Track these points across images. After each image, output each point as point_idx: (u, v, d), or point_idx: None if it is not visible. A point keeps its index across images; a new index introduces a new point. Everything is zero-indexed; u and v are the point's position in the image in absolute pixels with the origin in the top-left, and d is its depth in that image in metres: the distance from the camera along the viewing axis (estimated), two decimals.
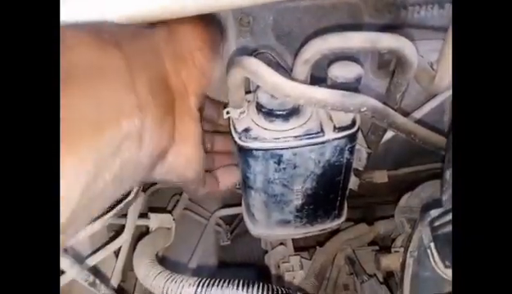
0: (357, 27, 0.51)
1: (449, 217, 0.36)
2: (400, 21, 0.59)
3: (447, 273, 0.38)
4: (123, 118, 0.28)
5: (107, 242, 0.53)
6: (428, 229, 0.39)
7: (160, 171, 0.37)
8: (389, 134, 0.64)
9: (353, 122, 0.50)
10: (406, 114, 0.54)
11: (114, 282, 0.54)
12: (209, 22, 0.42)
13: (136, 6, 0.30)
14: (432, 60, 0.59)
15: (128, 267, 0.60)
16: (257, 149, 0.51)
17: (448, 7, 0.58)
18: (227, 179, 0.56)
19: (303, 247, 0.79)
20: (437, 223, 0.38)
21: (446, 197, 0.39)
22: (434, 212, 0.40)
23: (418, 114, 0.65)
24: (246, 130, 0.51)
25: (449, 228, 0.35)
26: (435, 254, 0.38)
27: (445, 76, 0.56)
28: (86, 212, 0.27)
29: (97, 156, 0.26)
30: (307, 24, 0.58)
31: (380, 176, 0.80)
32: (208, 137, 0.57)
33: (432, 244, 0.39)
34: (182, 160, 0.39)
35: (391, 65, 0.63)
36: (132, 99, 0.28)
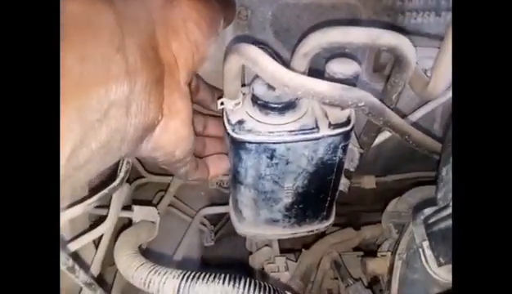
0: (355, 24, 0.51)
1: (444, 214, 0.36)
2: (397, 26, 0.60)
3: (439, 273, 0.38)
4: (110, 81, 0.26)
5: (88, 230, 0.51)
6: (421, 227, 0.39)
7: (146, 147, 0.35)
8: (380, 138, 0.64)
9: (348, 120, 0.50)
10: (401, 116, 0.54)
11: (94, 271, 0.51)
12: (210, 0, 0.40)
13: None
14: (426, 67, 0.60)
15: (109, 260, 0.57)
16: (250, 142, 0.50)
17: (444, 15, 0.59)
18: (218, 167, 0.54)
19: (288, 249, 0.78)
20: (431, 220, 0.37)
21: (441, 194, 0.39)
22: (428, 210, 0.39)
23: (409, 121, 0.66)
24: (240, 122, 0.50)
25: (444, 224, 0.35)
26: (427, 253, 0.38)
27: (439, 83, 0.57)
28: (69, 183, 0.26)
29: (83, 121, 0.24)
30: (306, 22, 0.58)
31: (369, 182, 0.80)
32: (200, 119, 0.56)
33: (425, 243, 0.38)
34: (170, 137, 0.37)
35: (386, 69, 0.64)
36: (121, 60, 0.27)
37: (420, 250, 0.40)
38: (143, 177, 0.79)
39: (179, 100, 0.36)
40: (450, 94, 0.59)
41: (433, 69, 0.57)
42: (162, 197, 0.82)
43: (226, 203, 0.70)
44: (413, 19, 0.60)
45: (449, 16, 0.59)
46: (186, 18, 0.36)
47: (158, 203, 0.79)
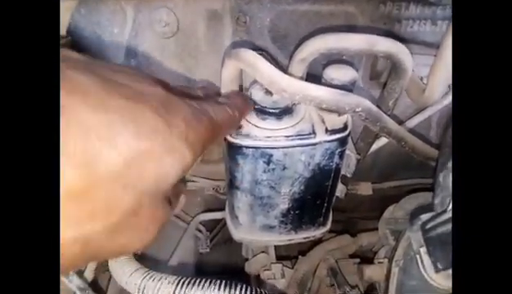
0: (353, 31, 0.51)
1: (442, 219, 0.35)
2: (394, 34, 0.60)
3: (436, 280, 0.38)
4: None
5: None
6: (418, 233, 0.39)
7: None
8: (377, 145, 0.64)
9: (345, 126, 0.50)
10: (397, 123, 0.55)
11: (88, 275, 0.50)
12: None
13: None
14: (422, 74, 0.61)
15: (102, 266, 0.56)
16: (247, 147, 0.50)
17: (440, 24, 0.60)
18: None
19: (285, 255, 0.77)
20: (429, 225, 0.37)
21: (439, 200, 0.39)
22: (425, 216, 0.39)
23: (406, 128, 0.66)
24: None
25: (442, 229, 0.35)
26: (425, 259, 0.38)
27: (435, 90, 0.57)
28: None
29: None
30: (304, 29, 0.59)
31: (365, 188, 0.80)
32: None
33: (422, 249, 0.38)
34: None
35: (382, 77, 0.65)
36: None
37: (418, 256, 0.39)
38: None
39: None
40: (446, 101, 0.60)
41: (429, 77, 0.57)
42: None
43: (223, 209, 0.69)
44: (409, 27, 0.60)
45: (445, 25, 0.60)
46: None
47: None
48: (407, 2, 0.58)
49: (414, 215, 0.42)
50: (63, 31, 0.50)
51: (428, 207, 0.41)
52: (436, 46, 0.56)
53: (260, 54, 0.56)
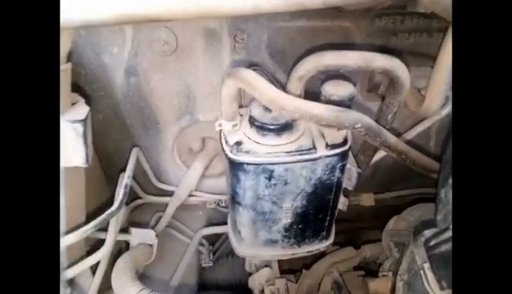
0: (349, 47, 0.52)
1: (445, 236, 0.35)
2: (390, 47, 0.61)
3: None
4: None
5: (86, 255, 0.50)
6: (422, 249, 0.39)
7: None
8: (376, 157, 0.64)
9: (345, 141, 0.50)
10: (396, 136, 0.55)
11: None
12: None
13: (137, 4, 0.30)
14: (420, 86, 0.61)
15: (106, 284, 0.56)
16: (248, 164, 0.50)
17: (436, 36, 0.60)
18: None
19: (288, 269, 0.77)
20: (432, 242, 0.37)
21: (441, 216, 0.39)
22: (429, 232, 0.39)
23: (405, 139, 0.66)
24: (238, 143, 0.50)
25: (446, 247, 0.35)
26: (429, 275, 0.38)
27: (433, 100, 0.57)
28: None
29: None
30: (301, 44, 0.59)
31: (367, 199, 0.80)
32: None
33: (426, 265, 0.38)
34: None
35: (380, 89, 0.65)
36: None
37: (422, 272, 0.39)
38: (140, 198, 0.78)
39: None
40: (444, 112, 0.60)
41: (427, 88, 0.58)
42: (160, 218, 0.80)
43: (225, 223, 0.69)
44: (405, 39, 0.61)
45: (440, 37, 0.60)
46: None
47: (155, 225, 0.78)
48: (402, 15, 0.58)
49: (417, 230, 0.41)
50: (64, 54, 0.51)
51: (430, 222, 0.41)
52: (433, 58, 0.57)
53: (255, 69, 0.57)
